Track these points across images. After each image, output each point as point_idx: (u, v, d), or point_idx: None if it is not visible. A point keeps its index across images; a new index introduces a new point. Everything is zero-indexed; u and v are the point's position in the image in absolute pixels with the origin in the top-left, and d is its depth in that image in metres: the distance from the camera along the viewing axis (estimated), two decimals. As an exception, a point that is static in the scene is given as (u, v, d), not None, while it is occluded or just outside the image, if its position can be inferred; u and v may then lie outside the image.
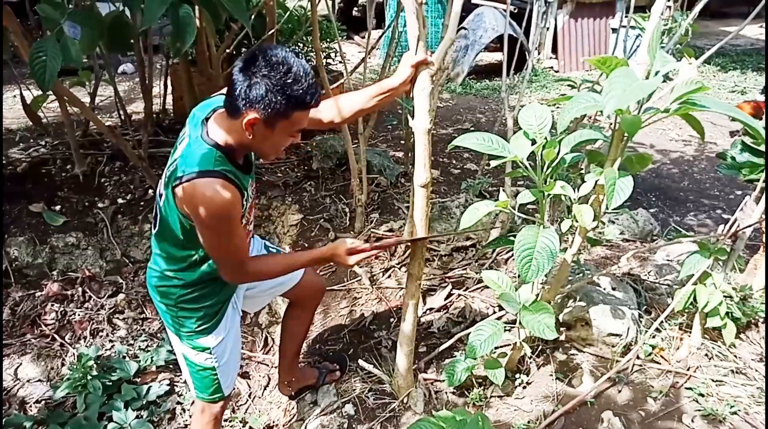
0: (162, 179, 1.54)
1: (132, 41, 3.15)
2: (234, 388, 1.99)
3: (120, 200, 3.54)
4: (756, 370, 1.97)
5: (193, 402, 2.52)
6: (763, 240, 2.26)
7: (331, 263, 1.71)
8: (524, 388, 2.02)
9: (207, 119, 1.48)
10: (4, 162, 3.72)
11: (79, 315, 2.96)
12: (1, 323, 2.80)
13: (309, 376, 2.26)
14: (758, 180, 2.12)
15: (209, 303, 1.67)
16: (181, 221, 1.48)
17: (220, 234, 1.45)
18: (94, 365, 2.53)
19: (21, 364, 2.65)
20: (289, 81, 1.33)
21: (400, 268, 2.85)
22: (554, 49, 7.60)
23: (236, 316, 1.82)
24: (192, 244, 1.53)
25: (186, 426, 2.46)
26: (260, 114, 1.36)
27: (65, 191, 3.52)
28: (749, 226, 2.02)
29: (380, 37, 4.69)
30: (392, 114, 4.94)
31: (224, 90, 1.62)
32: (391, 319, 2.51)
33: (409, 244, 1.98)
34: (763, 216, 2.05)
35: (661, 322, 2.07)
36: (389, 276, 2.81)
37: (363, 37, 8.68)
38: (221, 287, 1.68)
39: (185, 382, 2.65)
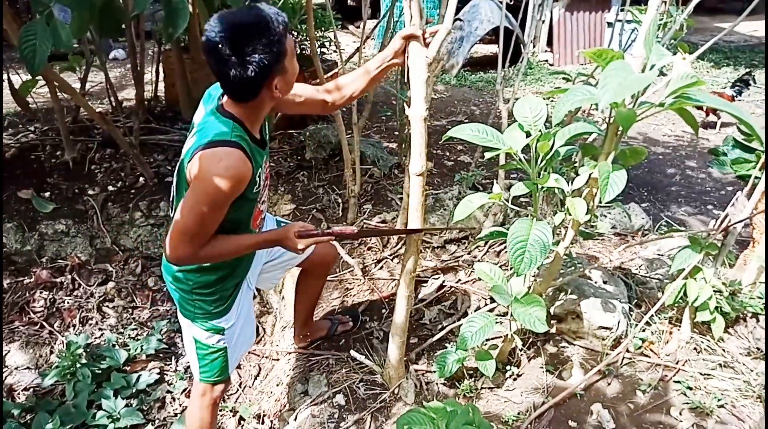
0: (178, 166, 1.51)
1: (123, 26, 3.11)
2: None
3: (110, 188, 3.51)
4: (744, 364, 1.99)
5: (183, 391, 2.52)
6: (753, 235, 2.27)
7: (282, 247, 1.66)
8: (515, 379, 2.03)
9: (223, 95, 1.47)
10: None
11: (68, 303, 2.94)
12: (1, 315, 2.78)
13: (322, 328, 2.36)
14: (749, 176, 2.13)
15: (225, 285, 1.66)
16: None
17: (206, 205, 1.38)
18: (84, 353, 2.52)
19: (9, 351, 2.64)
20: (270, 34, 1.31)
21: (392, 260, 2.84)
22: (549, 42, 7.59)
23: (249, 295, 1.84)
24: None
25: (176, 414, 2.45)
26: (275, 74, 1.36)
27: (55, 178, 3.49)
28: (740, 221, 2.03)
29: (375, 27, 4.66)
30: (386, 105, 4.92)
31: None
32: (383, 310, 2.51)
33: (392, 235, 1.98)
34: (754, 211, 2.06)
35: (651, 315, 2.08)
36: (381, 267, 2.81)
37: (358, 27, 8.62)
38: (236, 269, 1.68)
39: (176, 370, 2.64)
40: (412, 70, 1.65)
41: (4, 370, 2.57)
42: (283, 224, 1.92)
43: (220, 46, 1.29)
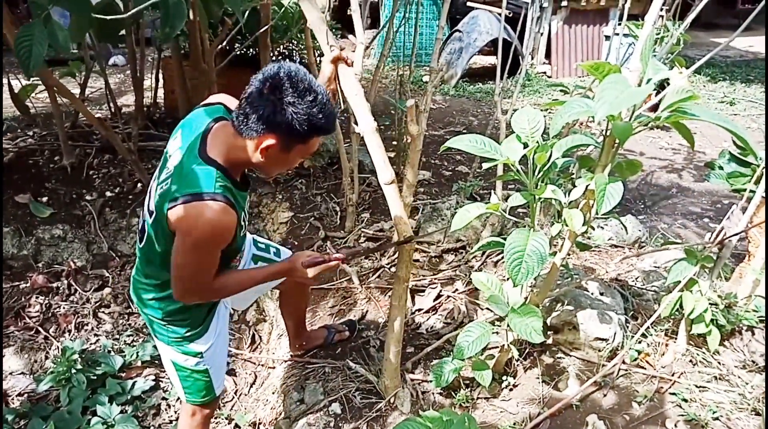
0: (151, 195, 1.47)
1: (122, 31, 3.12)
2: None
3: (108, 193, 3.51)
4: (739, 377, 2.00)
5: (179, 398, 2.51)
6: (748, 248, 2.29)
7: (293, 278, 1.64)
8: (511, 390, 2.03)
9: (207, 131, 1.41)
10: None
11: (64, 308, 2.93)
12: (2, 317, 2.77)
13: (318, 337, 2.36)
14: (745, 190, 2.15)
15: (196, 311, 1.64)
16: (173, 241, 1.41)
17: (200, 257, 1.39)
18: (79, 359, 2.51)
19: (4, 356, 2.62)
20: (314, 110, 1.30)
21: (389, 268, 2.85)
22: (548, 55, 7.65)
23: (226, 315, 1.81)
24: None
25: (171, 422, 2.44)
26: (279, 139, 1.33)
27: (53, 183, 3.49)
28: (736, 234, 2.05)
29: (375, 37, 4.69)
30: (384, 114, 4.94)
31: (219, 97, 1.57)
32: (380, 319, 2.51)
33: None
34: (749, 225, 2.08)
35: (647, 327, 2.09)
36: (379, 276, 2.81)
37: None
38: None
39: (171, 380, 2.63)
40: (345, 89, 1.67)
41: (-2, 375, 2.56)
42: (260, 245, 1.93)
43: (280, 81, 1.28)
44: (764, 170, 2.06)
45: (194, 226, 1.32)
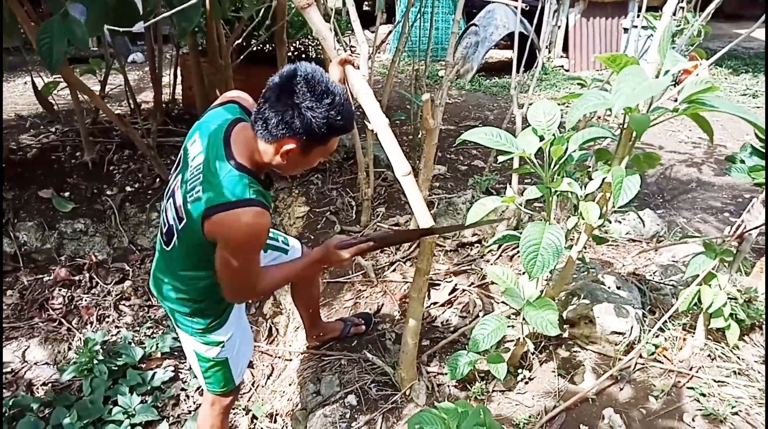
0: (176, 197, 1.47)
1: (138, 24, 3.16)
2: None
3: (128, 188, 3.58)
4: (758, 372, 1.97)
5: (197, 388, 2.55)
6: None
7: (331, 266, 1.69)
8: (526, 383, 2.03)
9: (228, 134, 1.42)
10: (14, 148, 3.75)
11: (86, 300, 3.00)
12: (1, 318, 2.84)
13: (335, 329, 2.38)
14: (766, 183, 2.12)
15: (222, 303, 1.66)
16: (204, 246, 1.43)
17: (246, 260, 1.44)
18: (100, 350, 2.57)
19: (29, 347, 2.69)
20: (333, 113, 1.33)
21: (405, 262, 2.86)
22: (565, 48, 7.57)
23: (241, 304, 1.84)
24: (211, 265, 1.49)
25: (190, 412, 2.48)
26: (299, 143, 1.35)
27: (74, 178, 3.56)
28: (755, 228, 2.02)
29: (390, 32, 4.69)
30: (400, 109, 4.94)
31: (232, 94, 1.60)
32: (395, 313, 2.53)
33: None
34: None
35: (665, 321, 2.07)
36: (394, 269, 2.82)
37: (372, 32, 8.67)
38: None
39: (190, 368, 2.68)
40: (355, 89, 1.70)
41: (24, 365, 2.62)
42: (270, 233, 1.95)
43: (297, 84, 1.30)
44: (765, 170, 2.02)
45: (236, 233, 1.36)
